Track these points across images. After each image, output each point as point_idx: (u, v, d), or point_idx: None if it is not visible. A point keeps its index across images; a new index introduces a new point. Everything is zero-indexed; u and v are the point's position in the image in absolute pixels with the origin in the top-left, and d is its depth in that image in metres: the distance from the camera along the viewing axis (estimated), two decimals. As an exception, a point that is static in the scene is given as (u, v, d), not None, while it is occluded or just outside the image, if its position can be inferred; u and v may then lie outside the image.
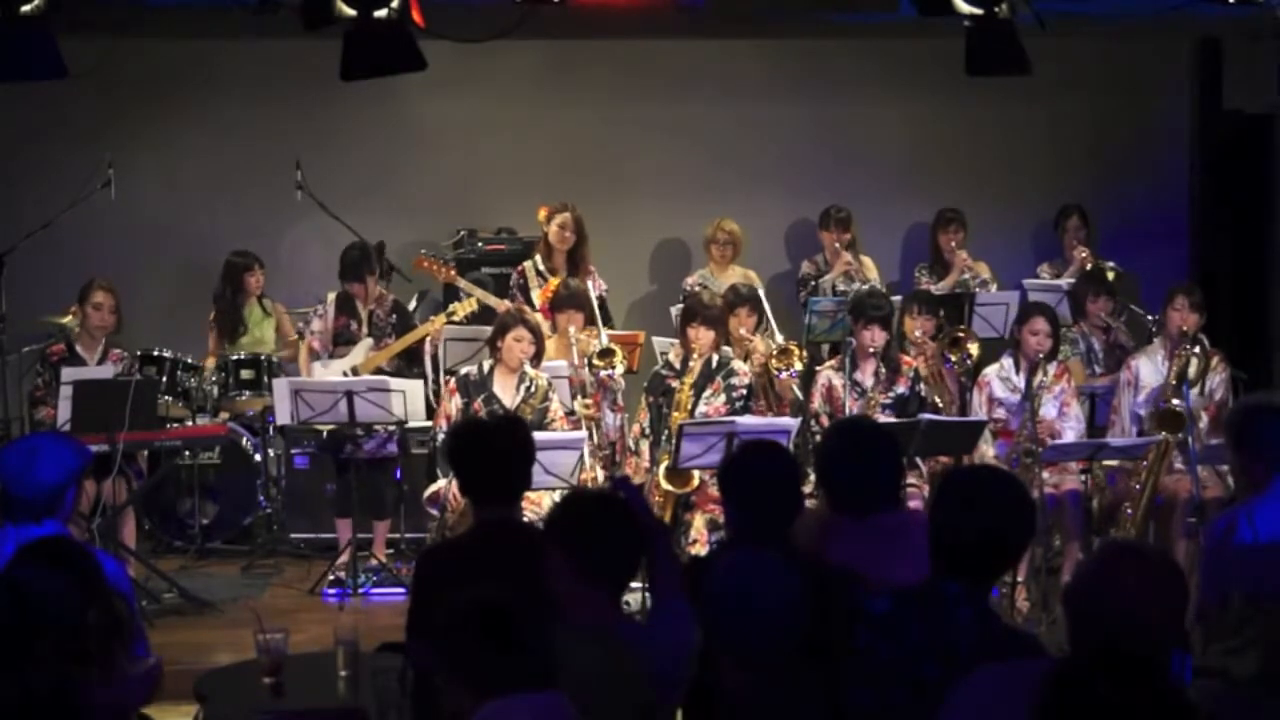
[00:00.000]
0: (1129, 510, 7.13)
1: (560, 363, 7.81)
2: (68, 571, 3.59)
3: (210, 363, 8.67)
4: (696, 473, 7.11)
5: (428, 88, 8.91)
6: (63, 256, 8.89)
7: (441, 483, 7.14)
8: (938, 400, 7.66)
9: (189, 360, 8.54)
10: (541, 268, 8.62)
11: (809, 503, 7.14)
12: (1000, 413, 7.46)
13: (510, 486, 4.39)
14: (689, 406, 7.40)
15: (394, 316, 8.31)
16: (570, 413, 7.57)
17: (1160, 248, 9.98)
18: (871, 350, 7.45)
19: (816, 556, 4.02)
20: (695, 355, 7.46)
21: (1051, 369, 7.49)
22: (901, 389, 7.51)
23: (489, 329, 7.67)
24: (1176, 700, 2.53)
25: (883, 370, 7.48)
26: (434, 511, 7.21)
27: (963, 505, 3.46)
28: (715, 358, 7.55)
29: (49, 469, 4.28)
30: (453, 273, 8.64)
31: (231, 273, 8.80)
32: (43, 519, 4.26)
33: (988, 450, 7.38)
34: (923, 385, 7.57)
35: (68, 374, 7.56)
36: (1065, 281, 8.90)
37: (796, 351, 7.68)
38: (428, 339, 8.19)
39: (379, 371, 8.02)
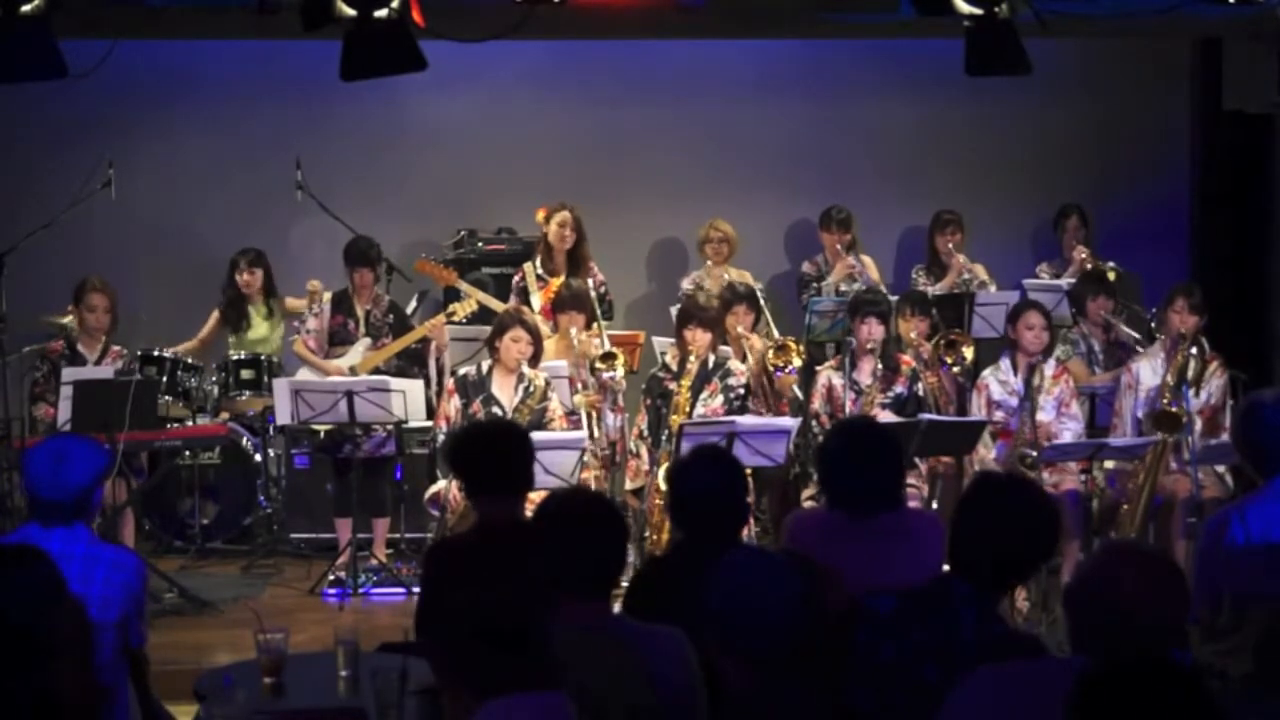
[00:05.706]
0: (1127, 512, 7.12)
1: (560, 363, 7.81)
2: (31, 575, 3.56)
3: (195, 344, 8.72)
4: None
5: (428, 88, 8.91)
6: (63, 256, 8.89)
7: (442, 484, 7.14)
8: (930, 395, 7.65)
9: (189, 360, 8.55)
10: (541, 270, 8.61)
11: (808, 504, 7.20)
12: (999, 414, 7.46)
13: (513, 483, 4.40)
14: (687, 409, 7.40)
15: (390, 317, 8.29)
16: (570, 412, 7.57)
17: (1160, 248, 9.97)
18: (870, 345, 7.46)
19: (813, 556, 4.02)
20: (692, 357, 7.46)
21: (1049, 370, 7.48)
22: (900, 389, 7.52)
23: (489, 329, 7.68)
24: (1208, 699, 2.53)
25: (880, 368, 7.48)
26: (434, 512, 7.21)
27: (992, 517, 3.48)
28: (712, 358, 7.55)
29: (79, 471, 4.29)
30: (454, 275, 8.64)
31: (230, 269, 8.86)
32: (73, 521, 4.27)
33: (987, 453, 7.38)
34: (920, 385, 7.57)
35: (68, 374, 7.57)
36: (1065, 281, 8.89)
37: (795, 348, 7.67)
38: (433, 344, 8.18)
39: (377, 371, 8.02)
